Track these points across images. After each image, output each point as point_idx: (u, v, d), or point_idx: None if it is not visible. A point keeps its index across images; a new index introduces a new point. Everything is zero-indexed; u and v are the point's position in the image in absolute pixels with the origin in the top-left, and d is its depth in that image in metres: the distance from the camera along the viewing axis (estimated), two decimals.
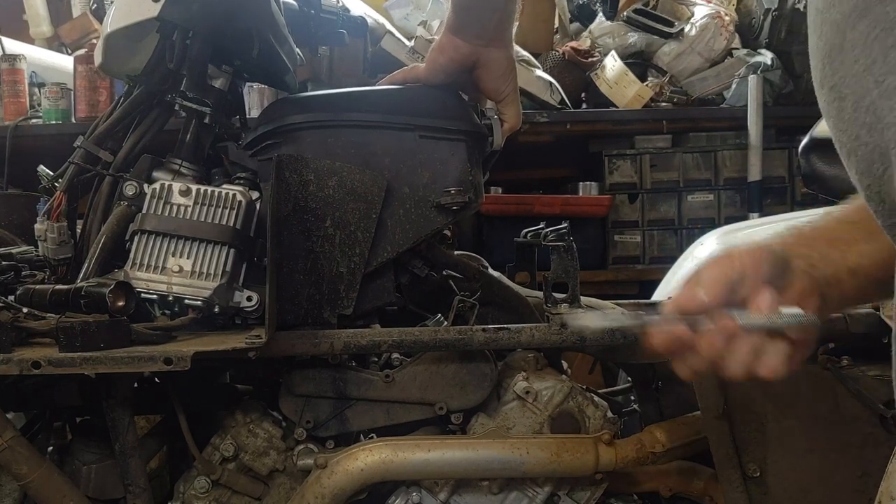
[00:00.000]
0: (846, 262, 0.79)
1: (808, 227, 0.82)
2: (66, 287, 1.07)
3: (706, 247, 1.86)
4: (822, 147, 1.53)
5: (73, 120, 2.98)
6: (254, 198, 1.19)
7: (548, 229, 1.30)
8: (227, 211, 1.15)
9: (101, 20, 3.29)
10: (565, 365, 1.39)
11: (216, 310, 1.12)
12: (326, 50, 1.45)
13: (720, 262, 0.78)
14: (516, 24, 2.96)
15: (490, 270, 1.33)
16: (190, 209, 1.14)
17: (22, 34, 3.41)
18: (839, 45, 0.58)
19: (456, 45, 1.21)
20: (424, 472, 1.15)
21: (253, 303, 1.14)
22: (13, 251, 1.27)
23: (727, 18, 3.17)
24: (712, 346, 0.74)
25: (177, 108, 1.23)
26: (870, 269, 0.79)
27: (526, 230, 1.41)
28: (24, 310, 1.05)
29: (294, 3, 1.39)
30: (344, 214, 1.17)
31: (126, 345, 1.01)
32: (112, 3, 1.26)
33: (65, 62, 3.21)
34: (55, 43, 3.49)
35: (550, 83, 2.97)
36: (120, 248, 1.15)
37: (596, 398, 1.24)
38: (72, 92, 2.99)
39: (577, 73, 3.16)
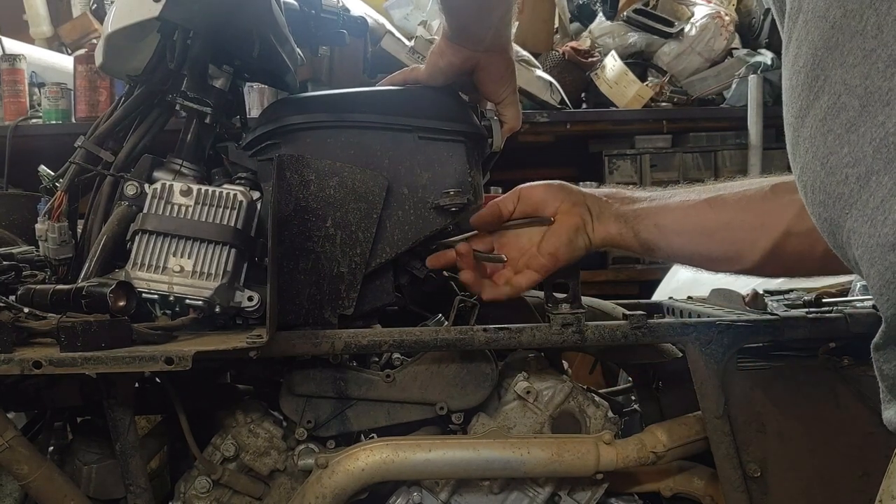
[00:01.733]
0: (618, 211, 1.15)
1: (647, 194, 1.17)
2: (67, 287, 1.06)
3: None
4: None
5: (73, 120, 2.99)
6: (255, 198, 1.19)
7: None
8: (228, 211, 1.15)
9: (101, 20, 3.29)
10: (566, 365, 1.39)
11: (217, 310, 1.12)
12: (327, 50, 1.45)
13: (515, 190, 1.19)
14: (516, 24, 2.97)
15: None
16: (191, 209, 1.14)
17: (22, 34, 3.42)
18: (795, 141, 0.70)
19: (454, 50, 1.21)
20: (425, 472, 1.15)
21: (254, 303, 1.14)
22: (14, 251, 1.27)
23: (727, 18, 3.17)
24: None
25: (177, 108, 1.23)
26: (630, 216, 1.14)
27: None
28: (25, 310, 1.05)
29: (294, 3, 1.39)
30: (345, 214, 1.17)
31: (127, 345, 1.02)
32: (112, 3, 1.26)
33: (65, 62, 3.21)
34: (55, 43, 3.50)
35: (550, 83, 2.98)
36: (121, 248, 1.15)
37: (597, 398, 1.24)
38: (72, 92, 2.99)
39: (577, 73, 3.16)
